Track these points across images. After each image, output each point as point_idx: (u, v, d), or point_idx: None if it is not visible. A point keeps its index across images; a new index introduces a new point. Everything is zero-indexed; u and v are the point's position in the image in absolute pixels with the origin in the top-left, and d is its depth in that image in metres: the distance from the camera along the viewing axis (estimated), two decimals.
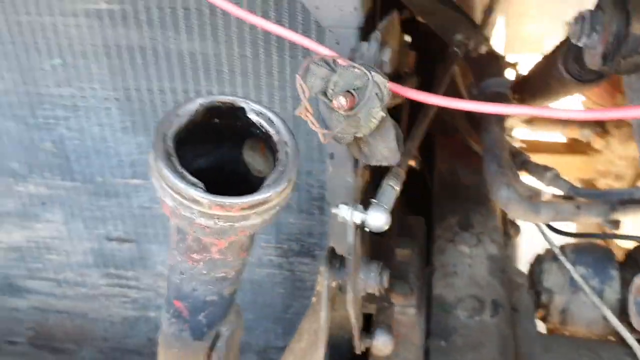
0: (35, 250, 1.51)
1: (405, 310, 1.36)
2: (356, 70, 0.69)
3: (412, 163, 2.31)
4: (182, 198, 0.65)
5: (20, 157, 1.34)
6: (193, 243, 0.74)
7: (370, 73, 0.69)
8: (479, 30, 1.48)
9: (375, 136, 0.75)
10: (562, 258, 1.70)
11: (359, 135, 0.72)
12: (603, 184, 2.99)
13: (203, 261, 0.76)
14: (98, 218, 1.42)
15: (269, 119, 0.71)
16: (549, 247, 1.84)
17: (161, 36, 1.13)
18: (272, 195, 0.67)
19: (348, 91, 0.69)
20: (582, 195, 1.61)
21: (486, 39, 1.55)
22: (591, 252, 1.73)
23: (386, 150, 0.76)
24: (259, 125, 0.71)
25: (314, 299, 1.17)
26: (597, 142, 2.90)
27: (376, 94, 0.69)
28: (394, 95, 0.97)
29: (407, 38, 1.99)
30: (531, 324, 1.53)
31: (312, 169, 1.24)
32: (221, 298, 0.85)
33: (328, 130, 0.68)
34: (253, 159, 0.77)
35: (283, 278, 1.43)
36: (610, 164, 2.96)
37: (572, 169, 3.11)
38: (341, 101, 0.68)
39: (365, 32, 1.01)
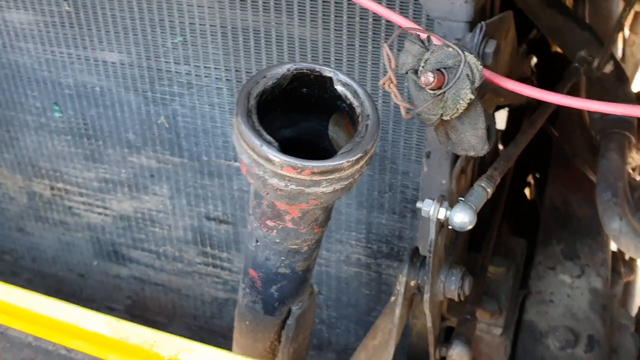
0: (141, 221, 1.59)
1: (491, 330, 1.30)
2: (449, 49, 0.67)
3: (527, 191, 2.22)
4: (256, 155, 0.66)
5: (136, 129, 1.43)
6: (268, 209, 0.75)
7: (464, 53, 0.67)
8: (606, 48, 1.40)
9: (464, 121, 0.72)
10: None
11: (445, 117, 0.70)
12: None
13: (277, 229, 0.77)
14: (200, 196, 1.48)
15: (355, 91, 0.71)
16: None
17: (274, 20, 1.16)
18: (344, 164, 0.66)
19: (438, 69, 0.68)
20: None
21: (613, 57, 1.46)
22: None
23: (474, 138, 0.73)
24: (343, 96, 0.71)
25: (392, 298, 1.14)
26: None
27: (467, 75, 0.67)
28: (515, 96, 0.94)
29: (534, 59, 1.92)
30: None
31: (408, 169, 1.22)
32: (293, 272, 0.85)
33: (411, 104, 0.67)
34: (337, 134, 0.77)
35: (369, 279, 1.41)
36: None
37: None
38: (429, 77, 0.66)
39: (473, 26, 0.98)
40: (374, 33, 1.10)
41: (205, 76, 1.29)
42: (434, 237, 0.91)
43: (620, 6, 2.50)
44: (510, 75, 1.10)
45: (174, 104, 1.35)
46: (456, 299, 1.05)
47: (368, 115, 0.69)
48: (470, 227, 0.88)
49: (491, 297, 1.33)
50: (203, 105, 1.33)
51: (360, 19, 1.10)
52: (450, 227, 0.89)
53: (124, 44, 1.31)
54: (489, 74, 0.70)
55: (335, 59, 1.16)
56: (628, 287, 1.94)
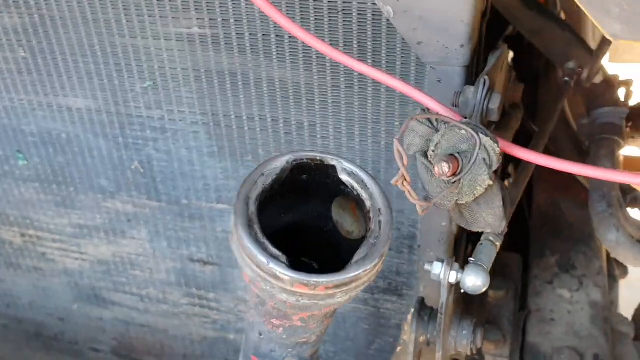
0: (121, 265, 1.51)
1: None
2: (462, 131, 0.61)
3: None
4: (261, 271, 0.60)
5: (109, 174, 1.34)
6: (273, 310, 0.68)
7: (479, 135, 0.61)
8: (595, 58, 1.35)
9: (480, 202, 0.66)
10: None
11: (461, 202, 0.64)
12: None
13: (283, 327, 0.70)
14: (182, 239, 1.40)
15: (362, 181, 0.64)
16: None
17: (252, 62, 1.08)
18: (361, 274, 0.60)
19: (452, 154, 0.62)
20: None
21: (602, 67, 1.41)
22: None
23: (491, 217, 0.68)
24: (350, 187, 0.65)
25: (399, 349, 1.09)
26: None
27: (484, 160, 0.61)
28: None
29: (510, 55, 1.87)
30: None
31: (403, 207, 1.16)
32: (301, 359, 0.79)
33: (427, 202, 0.61)
34: (342, 218, 0.71)
35: (368, 314, 1.36)
36: None
37: None
38: (444, 168, 0.60)
39: (469, 69, 0.92)
40: (359, 73, 1.03)
41: (180, 120, 1.21)
42: (445, 301, 0.86)
43: None
44: (504, 104, 1.05)
45: (148, 149, 1.27)
46: (468, 353, 1.00)
47: (380, 210, 0.63)
48: (484, 289, 0.83)
49: (493, 325, 1.29)
50: (179, 149, 1.25)
51: None
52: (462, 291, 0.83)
53: (89, 89, 1.22)
54: (503, 145, 0.64)
55: (320, 100, 1.09)
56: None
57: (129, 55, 1.14)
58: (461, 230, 1.08)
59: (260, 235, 0.60)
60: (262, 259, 0.58)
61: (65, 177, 1.38)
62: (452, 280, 0.83)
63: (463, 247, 1.23)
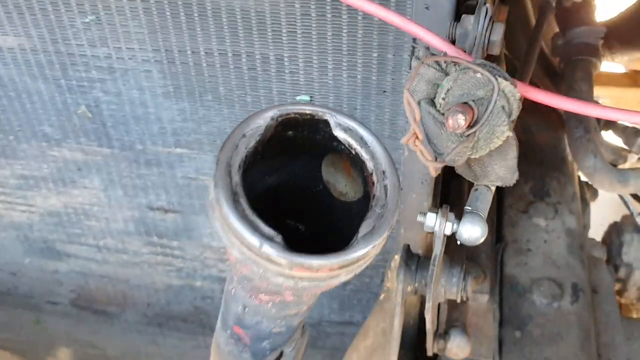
0: (74, 216, 1.40)
1: (477, 297, 1.23)
2: (478, 75, 0.52)
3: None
4: (253, 254, 0.51)
5: (53, 121, 1.21)
6: (262, 285, 0.60)
7: (497, 79, 0.52)
8: None
9: (492, 154, 0.58)
10: None
11: (473, 156, 0.56)
12: None
13: (273, 302, 0.62)
14: (138, 186, 1.29)
15: (361, 138, 0.55)
16: (626, 213, 1.67)
17: None
18: (369, 251, 0.52)
19: (465, 103, 0.53)
20: None
21: None
22: None
23: (503, 169, 0.60)
24: (347, 145, 0.55)
25: (382, 296, 1.04)
26: None
27: (502, 108, 0.53)
28: None
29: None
30: (612, 308, 1.39)
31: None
32: (289, 329, 0.72)
33: (439, 162, 0.52)
34: (334, 178, 0.62)
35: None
36: None
37: (634, 102, 2.91)
38: (459, 120, 0.51)
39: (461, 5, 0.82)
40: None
41: (129, 58, 1.07)
42: (439, 253, 0.79)
43: None
44: None
45: (95, 91, 1.14)
46: (458, 300, 0.95)
47: (384, 172, 0.54)
48: (482, 240, 0.77)
49: (472, 262, 1.25)
50: (130, 90, 1.12)
51: None
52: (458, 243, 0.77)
53: (21, 25, 1.06)
54: (521, 89, 0.56)
55: (288, 31, 0.97)
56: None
57: None
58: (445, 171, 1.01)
59: (249, 211, 0.51)
60: (254, 241, 0.50)
61: (2, 125, 1.24)
62: (448, 232, 0.76)
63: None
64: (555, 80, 1.61)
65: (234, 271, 0.62)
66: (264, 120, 0.55)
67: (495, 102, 0.52)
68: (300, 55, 1.00)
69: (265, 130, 0.54)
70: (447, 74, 0.54)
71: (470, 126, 0.53)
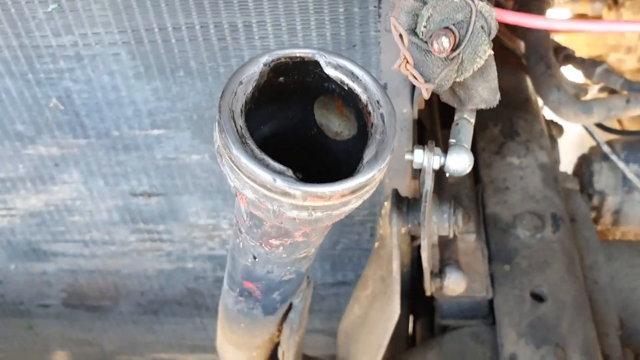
0: (56, 214, 1.39)
1: (464, 237, 1.27)
2: (455, 0, 0.55)
3: None
4: (267, 191, 0.53)
5: (24, 117, 1.20)
6: (272, 229, 0.62)
7: (473, 1, 0.54)
8: None
9: (476, 77, 0.61)
10: (613, 157, 1.60)
11: (459, 79, 0.59)
12: (614, 58, 2.86)
13: (283, 246, 0.65)
14: (119, 174, 1.30)
15: (352, 72, 0.57)
16: (593, 144, 1.74)
17: None
18: (375, 174, 0.54)
19: (446, 27, 0.55)
20: (636, 90, 1.48)
21: None
22: None
23: (486, 91, 0.63)
24: (339, 82, 0.57)
25: (376, 244, 1.07)
26: (608, 15, 2.74)
27: (482, 28, 0.55)
28: None
29: None
30: (591, 233, 1.45)
31: None
32: (298, 275, 0.74)
33: (431, 84, 0.55)
34: (327, 119, 0.64)
35: None
36: (621, 36, 2.82)
37: (581, 45, 2.98)
38: (443, 43, 0.54)
39: None
40: None
41: (96, 43, 1.07)
42: (430, 188, 0.82)
43: None
44: None
45: (65, 82, 1.13)
46: (450, 235, 0.99)
47: (378, 102, 0.56)
48: (469, 169, 0.80)
49: (456, 204, 1.28)
50: (100, 75, 1.12)
51: None
52: (447, 175, 0.80)
53: None
54: (499, 15, 0.58)
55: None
56: None
57: None
58: (421, 113, 1.04)
59: (257, 151, 0.52)
60: (268, 176, 0.51)
61: None
62: (436, 165, 0.80)
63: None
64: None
65: (242, 221, 0.64)
66: (257, 67, 0.56)
67: (475, 22, 0.54)
68: (268, 19, 1.01)
69: (260, 76, 0.56)
70: (425, 3, 0.56)
71: (453, 49, 0.55)
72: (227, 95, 0.54)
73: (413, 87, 0.99)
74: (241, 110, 0.54)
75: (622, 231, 1.68)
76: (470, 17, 0.54)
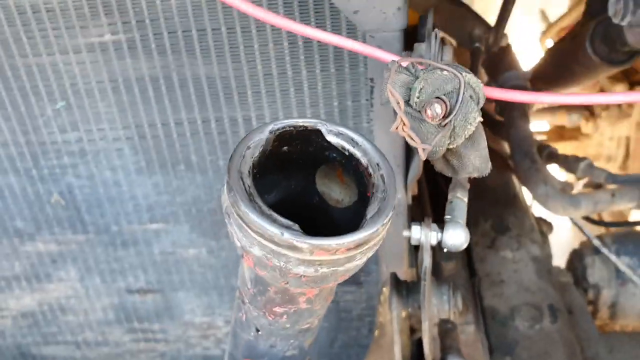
0: (49, 314, 1.38)
1: (464, 329, 1.27)
2: (444, 72, 0.60)
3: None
4: (274, 245, 0.54)
5: (25, 214, 1.22)
6: (276, 295, 0.63)
7: (462, 74, 0.59)
8: (499, 24, 1.40)
9: (467, 145, 0.65)
10: (604, 250, 1.62)
11: (452, 146, 0.63)
12: None
13: (287, 314, 0.65)
14: (116, 270, 1.30)
15: (352, 139, 0.61)
16: (583, 239, 1.76)
17: (174, 63, 1.02)
18: (379, 229, 0.56)
19: (438, 97, 0.60)
20: (619, 182, 1.54)
21: (504, 34, 1.47)
22: (632, 240, 1.65)
23: (478, 159, 0.67)
24: (340, 148, 0.61)
25: (376, 333, 1.06)
26: (586, 126, 2.86)
27: (471, 97, 0.60)
28: None
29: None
30: (589, 324, 1.44)
31: None
32: (301, 351, 0.74)
33: (428, 145, 0.58)
34: (329, 187, 0.67)
35: (327, 310, 1.31)
36: (600, 146, 2.93)
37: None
38: (436, 109, 0.58)
39: (407, 36, 0.92)
40: (292, 57, 1.00)
41: (100, 139, 1.12)
42: (429, 265, 0.84)
43: None
44: None
45: (68, 177, 1.17)
46: (451, 317, 0.99)
47: (378, 164, 0.59)
48: (466, 245, 0.82)
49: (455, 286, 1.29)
50: (103, 171, 1.16)
51: (275, 44, 0.99)
52: (445, 249, 0.82)
53: None
54: (487, 91, 0.63)
55: (253, 92, 1.04)
56: None
57: (34, 76, 1.04)
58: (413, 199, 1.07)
59: (265, 207, 0.55)
60: (275, 230, 0.53)
61: None
62: (434, 241, 0.82)
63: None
64: (493, 128, 1.74)
65: (246, 290, 0.65)
66: (264, 134, 0.60)
67: (464, 92, 0.59)
68: (266, 113, 1.07)
69: (266, 142, 0.59)
70: (417, 77, 0.61)
71: (445, 116, 0.59)
72: (235, 158, 0.57)
73: (406, 173, 1.03)
74: (249, 172, 0.57)
75: (621, 325, 1.67)
76: (459, 87, 0.59)
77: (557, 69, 1.62)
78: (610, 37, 1.32)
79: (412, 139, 0.58)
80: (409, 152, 1.04)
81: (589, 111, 2.91)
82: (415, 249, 1.14)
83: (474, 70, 1.32)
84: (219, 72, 1.02)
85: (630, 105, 2.57)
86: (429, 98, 0.60)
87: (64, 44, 1.00)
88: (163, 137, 1.11)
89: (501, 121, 1.70)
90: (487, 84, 1.65)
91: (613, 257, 1.59)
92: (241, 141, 0.59)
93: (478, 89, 0.60)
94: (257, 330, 0.69)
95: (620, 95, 0.64)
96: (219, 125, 1.09)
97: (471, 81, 0.60)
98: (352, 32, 0.94)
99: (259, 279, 0.62)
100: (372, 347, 1.09)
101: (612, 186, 1.60)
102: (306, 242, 0.53)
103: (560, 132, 3.17)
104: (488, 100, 0.67)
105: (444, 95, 0.60)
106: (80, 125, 1.10)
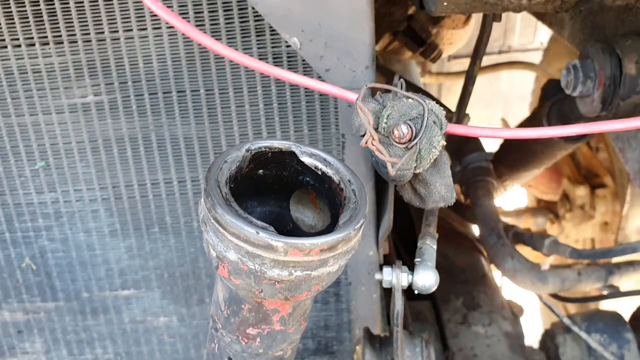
0: None
1: None
2: (409, 100, 0.65)
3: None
4: (250, 246, 0.56)
5: None
6: (250, 314, 0.64)
7: (425, 101, 0.64)
8: (460, 108, 1.49)
9: (432, 172, 0.69)
10: (575, 328, 1.63)
11: (418, 170, 0.66)
12: None
13: (260, 336, 0.65)
14: (84, 340, 1.27)
15: (325, 159, 0.64)
16: (555, 320, 1.78)
17: (153, 123, 1.06)
18: (351, 233, 0.59)
19: (404, 122, 0.64)
20: (584, 257, 1.58)
21: (467, 115, 1.56)
22: (601, 318, 1.67)
23: (443, 188, 0.70)
24: (313, 167, 0.64)
25: None
26: (552, 229, 2.94)
27: (434, 122, 0.64)
28: None
29: None
30: None
31: None
32: None
33: (396, 159, 0.62)
34: (302, 213, 0.69)
35: None
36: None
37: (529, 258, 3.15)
38: (403, 130, 0.62)
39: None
40: (267, 118, 1.05)
41: (77, 200, 1.13)
42: (401, 308, 0.85)
43: (418, 78, 2.79)
44: None
45: (41, 240, 1.17)
46: None
47: (349, 180, 0.63)
48: (435, 287, 0.84)
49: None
50: (77, 234, 1.16)
51: (251, 106, 1.04)
52: (416, 292, 0.83)
53: None
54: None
55: None
56: None
57: (15, 135, 1.07)
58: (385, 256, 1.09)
59: (240, 211, 0.57)
60: (251, 229, 0.55)
61: None
62: (405, 282, 0.83)
63: None
64: (460, 210, 1.79)
65: (219, 314, 0.66)
66: (240, 151, 0.63)
67: (427, 117, 0.63)
68: None
69: (242, 160, 0.62)
70: (384, 106, 0.66)
71: (411, 140, 0.63)
72: (213, 169, 0.60)
73: (377, 229, 1.06)
74: (226, 182, 0.59)
75: None
76: (424, 113, 0.64)
77: (518, 150, 1.71)
78: (564, 114, 1.41)
79: (380, 152, 0.62)
80: (380, 209, 1.07)
81: (553, 214, 3.01)
82: (387, 308, 1.15)
83: None
84: (197, 132, 1.07)
85: (593, 207, 2.66)
86: (395, 123, 0.64)
87: (47, 104, 1.04)
88: (139, 197, 1.13)
89: (468, 205, 1.76)
90: (453, 165, 1.72)
91: (584, 335, 1.60)
92: (219, 156, 0.62)
93: (441, 115, 0.65)
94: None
95: (574, 127, 0.69)
96: (195, 185, 1.11)
97: (434, 108, 0.65)
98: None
99: (233, 296, 0.63)
100: None
101: (580, 266, 1.64)
102: (281, 241, 0.55)
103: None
104: (451, 141, 0.72)
105: (410, 120, 0.64)
106: (58, 186, 1.12)
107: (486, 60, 2.97)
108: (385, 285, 0.83)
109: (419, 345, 0.97)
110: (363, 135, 0.67)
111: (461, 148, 1.70)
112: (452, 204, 0.73)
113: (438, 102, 0.68)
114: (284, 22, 0.90)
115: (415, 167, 0.66)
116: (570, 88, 1.11)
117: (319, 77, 0.97)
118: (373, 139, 0.61)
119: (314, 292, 0.62)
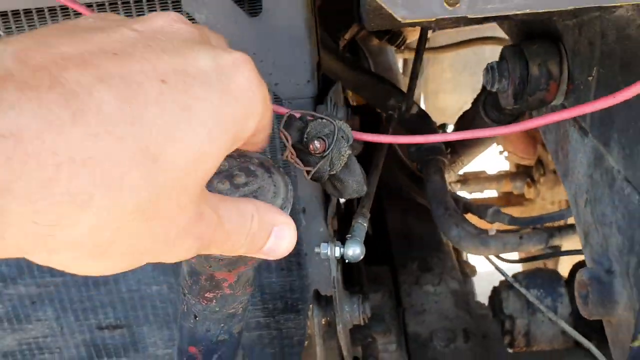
0: (28, 352, 1.56)
1: (387, 347, 1.48)
2: (324, 120, 0.86)
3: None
4: None
5: (9, 259, 1.43)
6: (206, 283, 0.86)
7: (335, 121, 0.86)
8: (408, 95, 1.70)
9: (345, 172, 0.90)
10: (516, 285, 1.87)
11: (332, 172, 0.88)
12: None
13: (216, 299, 0.88)
14: (88, 308, 1.50)
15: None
16: (502, 278, 2.02)
17: None
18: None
19: (320, 137, 0.86)
20: (521, 224, 1.80)
21: (415, 102, 1.76)
22: (540, 275, 1.91)
23: (355, 183, 0.92)
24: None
25: (306, 343, 1.28)
26: (529, 192, 3.16)
27: (342, 137, 0.86)
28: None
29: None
30: (501, 347, 1.67)
31: None
32: (231, 337, 0.96)
33: (311, 167, 0.84)
34: None
35: (271, 338, 1.53)
36: (543, 209, 3.21)
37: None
38: (316, 144, 0.84)
39: (317, 100, 1.19)
40: None
41: None
42: (336, 274, 1.08)
43: (394, 57, 2.97)
44: None
45: None
46: (361, 322, 1.21)
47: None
48: (362, 257, 1.06)
49: (378, 320, 1.52)
50: None
51: None
52: (347, 261, 1.06)
53: None
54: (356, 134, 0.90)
55: None
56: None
57: None
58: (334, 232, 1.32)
59: None
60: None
61: None
62: (337, 254, 1.06)
63: None
64: (418, 184, 2.01)
65: (185, 284, 0.88)
66: None
67: (337, 134, 0.85)
68: None
69: None
70: (306, 125, 0.87)
71: (324, 150, 0.85)
72: None
73: (325, 210, 1.28)
74: None
75: (536, 350, 1.89)
76: (334, 130, 0.85)
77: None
78: (497, 103, 1.62)
79: (297, 164, 0.83)
80: (327, 197, 1.29)
81: (530, 178, 3.23)
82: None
83: (385, 132, 1.60)
84: None
85: None
86: (312, 138, 0.86)
87: None
88: None
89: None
90: (410, 146, 1.94)
91: (523, 290, 1.84)
92: None
93: (348, 131, 0.86)
94: (195, 317, 0.92)
95: (490, 130, 0.90)
96: None
97: (342, 126, 0.86)
98: (277, 99, 1.22)
99: (192, 270, 0.85)
100: (303, 356, 1.30)
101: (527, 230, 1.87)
102: None
103: (507, 198, 3.47)
104: (359, 141, 0.93)
105: (324, 136, 0.86)
106: None
107: (460, 35, 3.15)
108: (322, 257, 1.05)
109: (357, 302, 1.20)
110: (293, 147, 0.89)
111: (416, 129, 1.92)
112: (364, 194, 0.95)
113: (346, 121, 0.89)
114: (238, 47, 1.10)
115: (329, 170, 0.88)
116: (489, 85, 1.32)
117: (272, 91, 1.18)
118: (292, 154, 0.83)
119: (251, 265, 0.84)
